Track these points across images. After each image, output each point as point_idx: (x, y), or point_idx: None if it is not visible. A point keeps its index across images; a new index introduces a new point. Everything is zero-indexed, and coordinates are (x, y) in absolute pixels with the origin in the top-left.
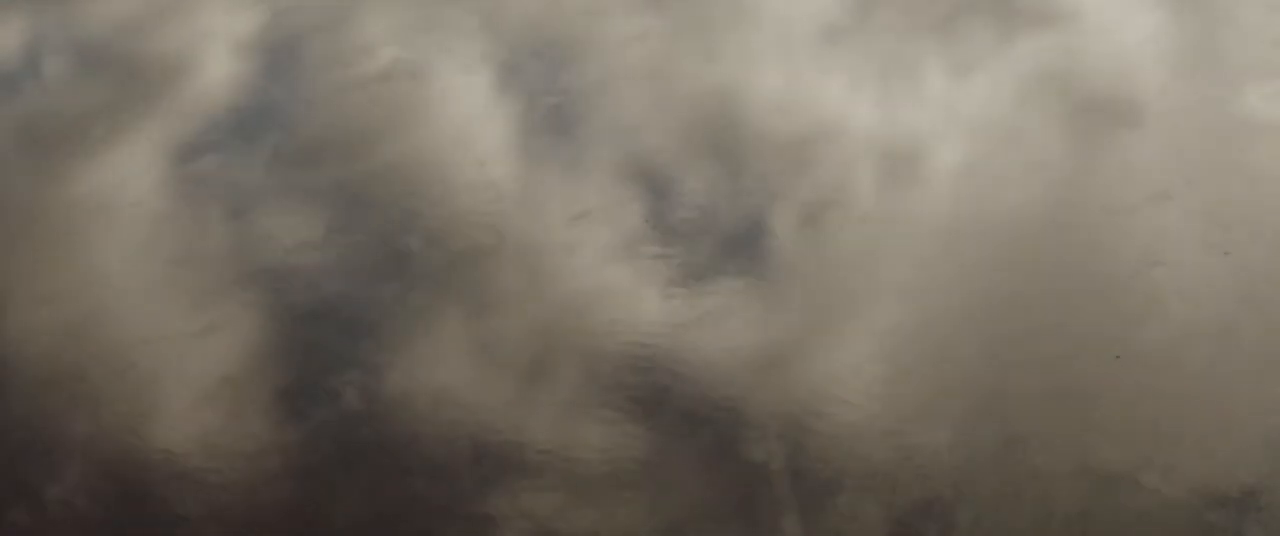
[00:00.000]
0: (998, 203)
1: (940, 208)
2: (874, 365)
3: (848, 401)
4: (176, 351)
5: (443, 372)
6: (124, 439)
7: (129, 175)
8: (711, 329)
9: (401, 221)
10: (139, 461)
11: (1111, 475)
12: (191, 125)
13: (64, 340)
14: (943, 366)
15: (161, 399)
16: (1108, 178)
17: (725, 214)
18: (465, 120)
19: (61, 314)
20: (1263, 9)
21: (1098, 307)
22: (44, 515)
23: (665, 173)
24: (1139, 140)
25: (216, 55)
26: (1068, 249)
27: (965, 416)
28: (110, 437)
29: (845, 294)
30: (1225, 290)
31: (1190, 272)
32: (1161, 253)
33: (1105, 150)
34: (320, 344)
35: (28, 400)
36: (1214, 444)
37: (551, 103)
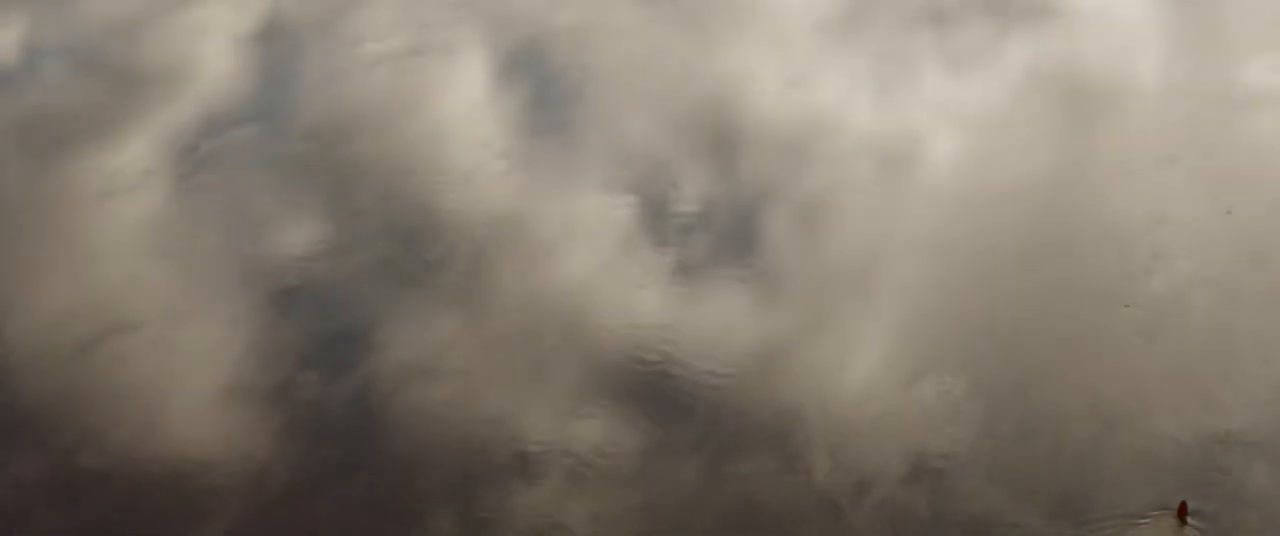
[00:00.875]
0: (1004, 172)
1: (947, 181)
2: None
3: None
4: (175, 347)
5: (441, 369)
6: (123, 435)
7: (128, 173)
8: (708, 324)
9: (400, 219)
10: (138, 458)
11: (1119, 415)
12: (190, 122)
13: (63, 338)
14: (958, 319)
15: (160, 395)
16: (1115, 144)
17: (722, 210)
18: (464, 118)
19: (61, 312)
20: None
21: (1106, 261)
22: (43, 510)
23: (662, 170)
24: (1145, 109)
25: (214, 52)
26: (1077, 208)
27: (982, 363)
28: (110, 434)
29: (856, 263)
30: (1228, 246)
31: (1194, 229)
32: (1167, 211)
33: (1113, 118)
34: (319, 340)
35: (28, 397)
36: (1217, 387)
37: (549, 100)
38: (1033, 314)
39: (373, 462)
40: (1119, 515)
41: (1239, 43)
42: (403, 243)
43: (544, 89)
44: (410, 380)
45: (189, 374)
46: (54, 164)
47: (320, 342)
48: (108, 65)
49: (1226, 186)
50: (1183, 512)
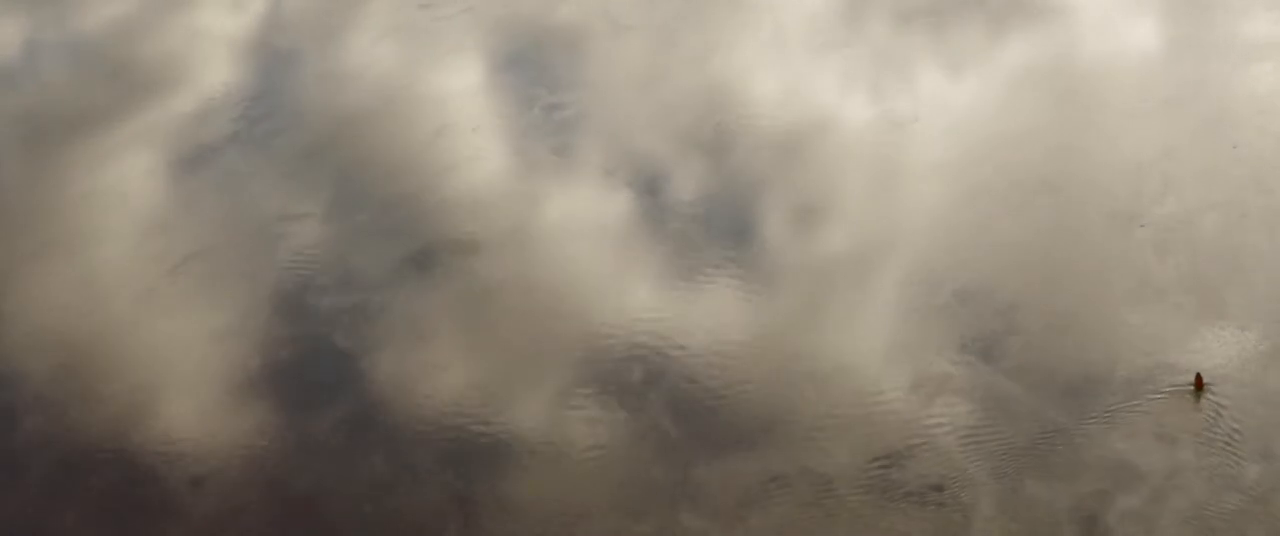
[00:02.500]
0: (1020, 116)
1: (967, 125)
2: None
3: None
4: (174, 345)
5: (438, 364)
6: (123, 431)
7: (127, 172)
8: (704, 320)
9: (398, 216)
10: (137, 454)
11: (1135, 317)
12: (189, 122)
13: (63, 335)
14: (985, 235)
15: (159, 392)
16: (1124, 89)
17: (719, 209)
18: (462, 116)
19: (61, 309)
20: None
21: (1121, 189)
22: (45, 506)
23: (659, 168)
24: (1152, 60)
25: (213, 53)
26: (1091, 145)
27: (1013, 272)
28: (110, 430)
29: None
30: (1234, 175)
31: (1202, 161)
32: (1176, 146)
33: (1121, 66)
34: (317, 337)
35: (27, 394)
36: (1224, 291)
37: (547, 98)
38: (1054, 232)
39: (369, 457)
40: (1137, 390)
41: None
42: (400, 237)
43: (540, 84)
44: (407, 375)
45: (186, 367)
46: (52, 161)
47: (317, 337)
48: (107, 65)
49: (1231, 126)
50: (1199, 385)
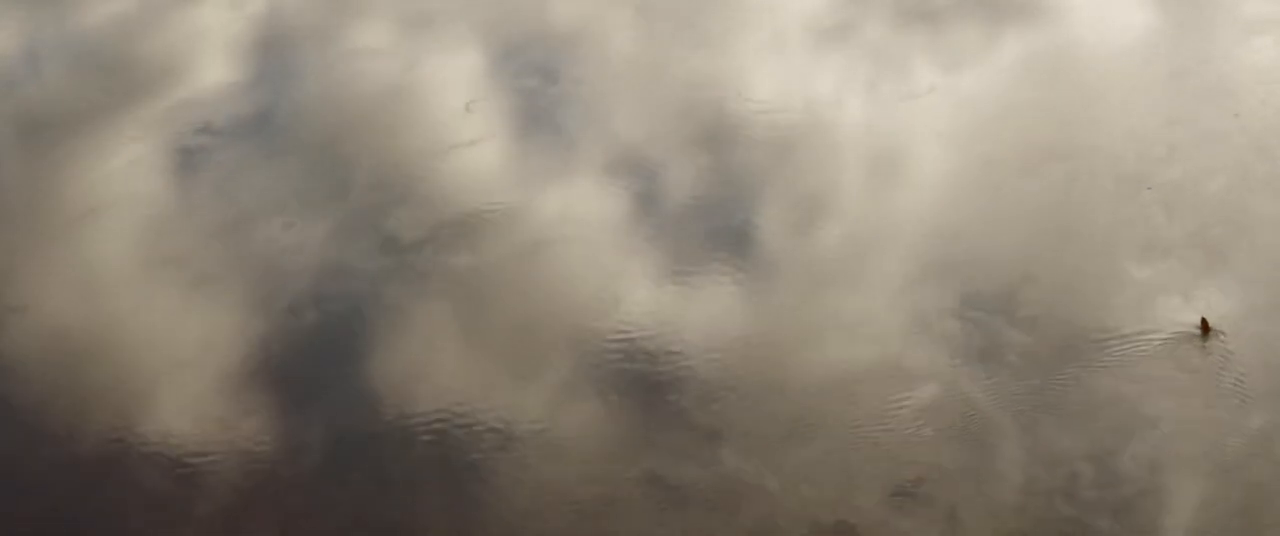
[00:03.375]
0: (1027, 88)
1: (977, 97)
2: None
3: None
4: (172, 342)
5: (435, 359)
6: (120, 428)
7: (126, 170)
8: (699, 317)
9: (396, 214)
10: (134, 450)
11: (1143, 269)
12: (187, 120)
13: (61, 332)
14: (997, 196)
15: (157, 388)
16: (1128, 65)
17: (715, 207)
18: (459, 114)
19: (59, 306)
20: None
21: (1128, 154)
22: (42, 502)
23: (656, 166)
24: (1156, 34)
25: (211, 51)
26: (1099, 114)
27: (1026, 228)
28: (106, 428)
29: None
30: (1237, 142)
31: (1206, 128)
32: (1180, 116)
33: (1125, 42)
34: (314, 333)
35: (26, 389)
36: (1230, 248)
37: (544, 96)
38: (1063, 195)
39: (366, 451)
40: (1147, 337)
41: None
42: (397, 235)
43: (537, 82)
44: (404, 370)
45: (184, 364)
46: (51, 158)
47: (314, 333)
48: (106, 64)
49: (1233, 97)
50: (1206, 329)
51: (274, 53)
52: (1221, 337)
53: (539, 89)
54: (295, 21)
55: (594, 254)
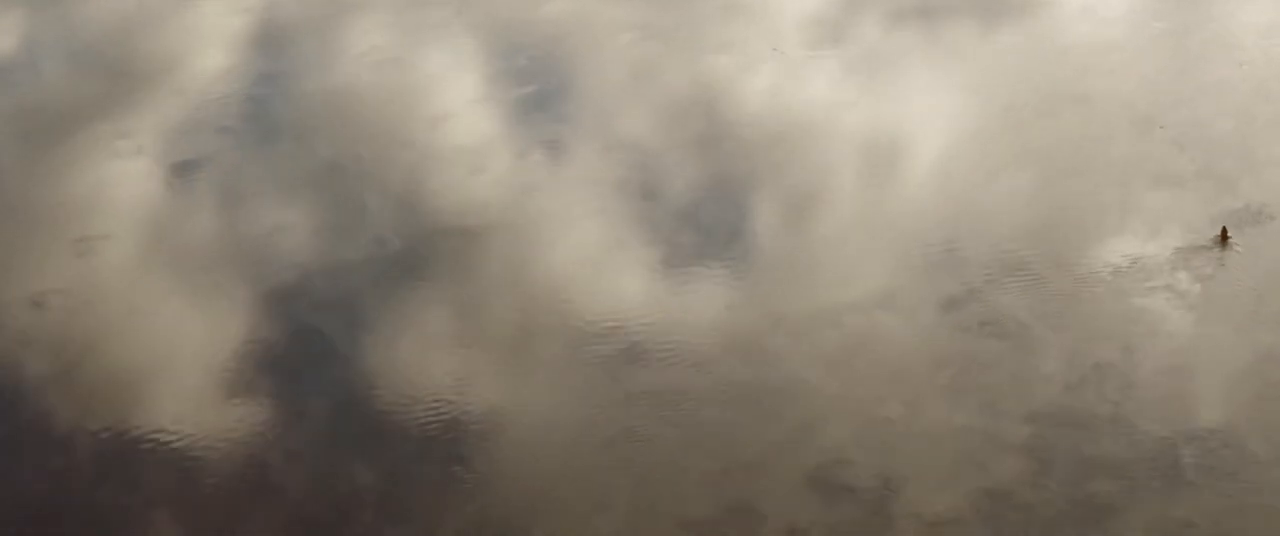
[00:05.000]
0: (1043, 42)
1: (999, 48)
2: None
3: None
4: (170, 338)
5: (432, 352)
6: (116, 424)
7: (124, 168)
8: (691, 309)
9: (394, 209)
10: (131, 445)
11: (1156, 196)
12: (185, 119)
13: (60, 329)
14: (1023, 135)
15: (154, 384)
16: (1141, 17)
17: (710, 204)
18: (457, 112)
19: (58, 302)
20: None
21: (1141, 98)
22: (39, 496)
23: (653, 164)
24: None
25: (210, 50)
26: (1113, 63)
27: (1046, 165)
28: (103, 423)
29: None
30: (1242, 88)
31: (1213, 77)
32: (1188, 66)
33: (1134, 4)
34: (312, 329)
35: (25, 386)
36: (1238, 177)
37: (542, 93)
38: (1081, 134)
39: (362, 444)
40: (1164, 252)
41: None
42: (395, 231)
43: (535, 80)
44: (400, 363)
45: (181, 360)
46: (49, 156)
47: (312, 329)
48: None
49: (1238, 49)
50: (1224, 237)
51: (273, 50)
52: (1237, 249)
53: (537, 88)
54: (294, 20)
55: (590, 249)
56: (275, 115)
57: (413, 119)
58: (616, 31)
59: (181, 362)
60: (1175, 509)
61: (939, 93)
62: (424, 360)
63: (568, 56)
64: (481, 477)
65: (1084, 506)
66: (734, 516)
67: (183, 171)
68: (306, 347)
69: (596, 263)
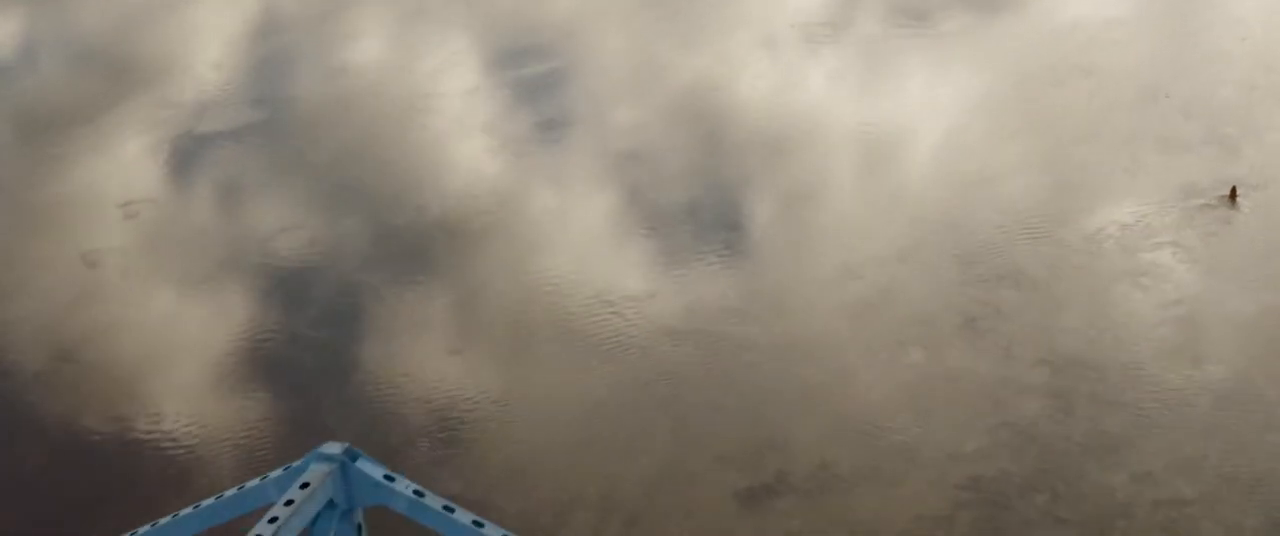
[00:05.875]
0: (1054, 16)
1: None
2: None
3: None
4: (168, 334)
5: (431, 352)
6: (114, 419)
7: (123, 164)
8: (686, 300)
9: (391, 205)
10: (129, 441)
11: (1163, 156)
12: (183, 115)
13: (58, 325)
14: (1036, 104)
15: (152, 380)
16: (1144, 3)
17: (707, 201)
18: (455, 109)
19: (56, 298)
20: None
21: (1148, 69)
22: (33, 490)
23: (650, 162)
24: None
25: (208, 48)
26: (1118, 37)
27: (1059, 130)
28: (105, 419)
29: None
30: (1244, 60)
31: (1215, 48)
32: (1189, 38)
33: None
34: (309, 325)
35: (24, 381)
36: (1242, 142)
37: (539, 90)
38: (1090, 102)
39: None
40: (1173, 207)
41: None
42: (392, 226)
43: (533, 78)
44: (395, 356)
45: (179, 356)
46: (48, 153)
47: (310, 326)
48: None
49: (1240, 25)
50: (1233, 196)
51: (271, 49)
52: (1244, 208)
53: (535, 85)
54: (293, 18)
55: (587, 245)
56: (274, 116)
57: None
58: None
59: (174, 361)
60: (1187, 445)
61: (952, 66)
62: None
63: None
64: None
65: (1103, 451)
66: (768, 452)
67: (215, 141)
68: (304, 345)
69: (623, 230)
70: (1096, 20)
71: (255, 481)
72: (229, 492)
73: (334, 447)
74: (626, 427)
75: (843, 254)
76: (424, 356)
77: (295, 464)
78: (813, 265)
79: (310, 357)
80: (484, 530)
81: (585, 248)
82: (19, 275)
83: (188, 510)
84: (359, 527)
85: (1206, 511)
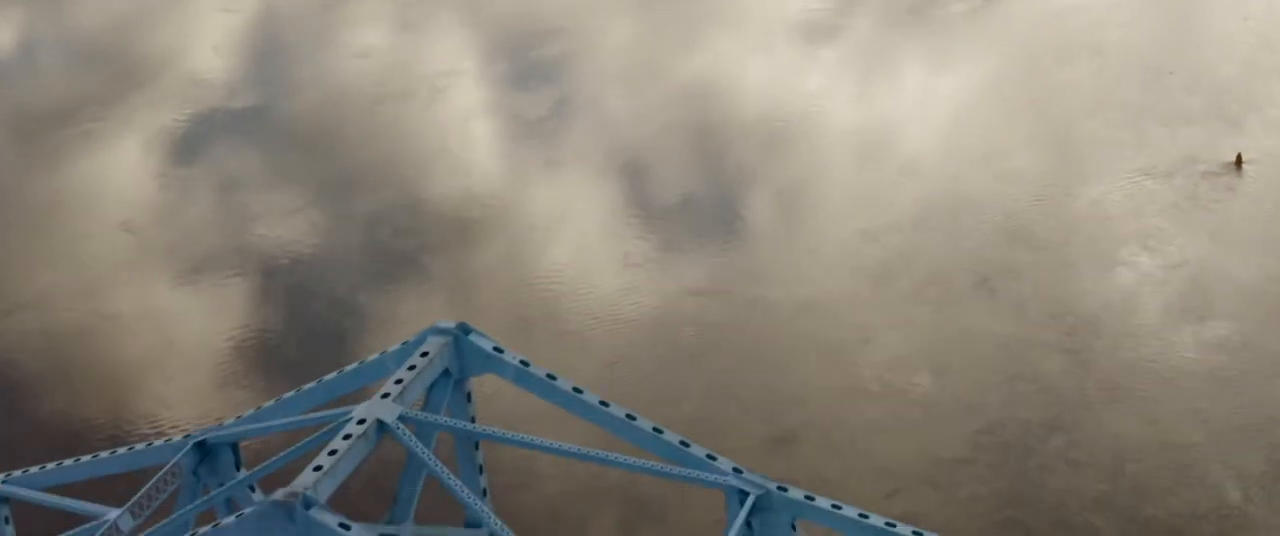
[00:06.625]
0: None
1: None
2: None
3: None
4: (167, 331)
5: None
6: (116, 414)
7: (121, 163)
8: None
9: (390, 202)
10: (128, 438)
11: (1173, 132)
12: (183, 115)
13: (57, 323)
14: (1046, 77)
15: (151, 377)
16: None
17: (704, 198)
18: (453, 107)
19: (55, 296)
20: None
21: (1151, 49)
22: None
23: (648, 159)
24: None
25: (207, 45)
26: (1123, 18)
27: (1067, 101)
28: (102, 413)
29: None
30: (1247, 39)
31: (1219, 28)
32: (1193, 18)
33: None
34: (308, 322)
35: (23, 378)
36: (1247, 119)
37: (538, 89)
38: (1097, 78)
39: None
40: (1180, 173)
41: None
42: (391, 223)
43: (530, 76)
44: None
45: (178, 354)
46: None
47: (308, 322)
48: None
49: (1243, 4)
50: (1239, 163)
51: (269, 47)
52: (1247, 175)
53: (533, 83)
54: (292, 16)
55: (585, 241)
56: (273, 114)
57: None
58: None
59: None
60: (1203, 401)
61: (963, 43)
62: None
63: None
64: None
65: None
66: (792, 406)
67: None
68: (300, 341)
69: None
70: (1103, 1)
71: (375, 356)
72: (350, 367)
73: (447, 324)
74: (658, 383)
75: (860, 221)
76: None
77: (411, 339)
78: (833, 231)
79: None
80: (583, 396)
81: (611, 217)
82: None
83: (311, 384)
84: (469, 396)
85: (1214, 454)
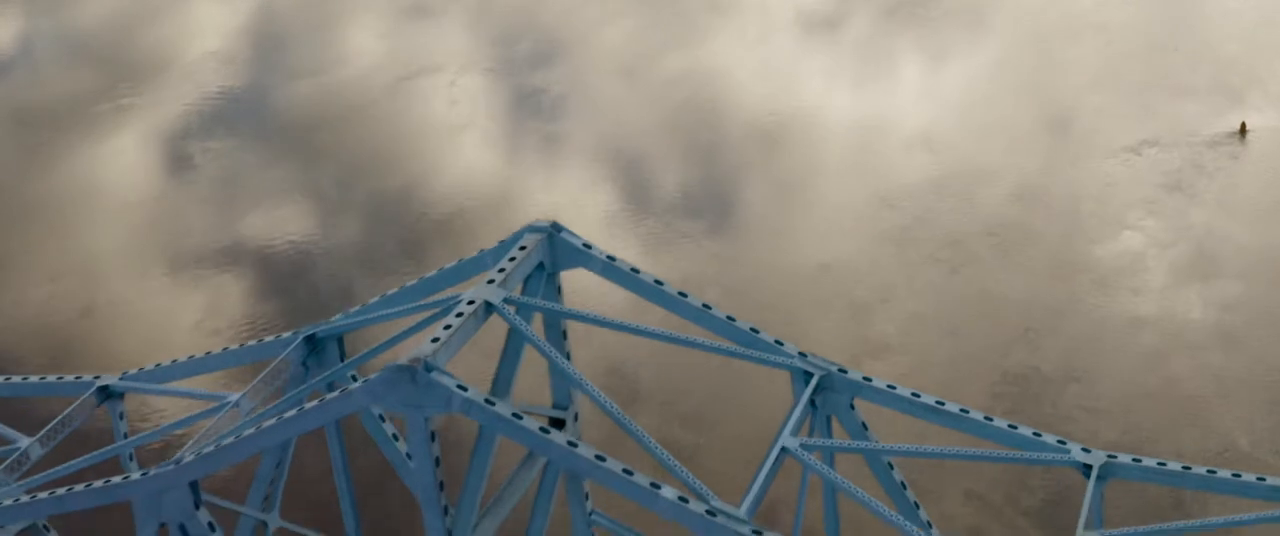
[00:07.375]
0: None
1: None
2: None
3: None
4: (167, 329)
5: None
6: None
7: (121, 160)
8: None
9: (388, 200)
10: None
11: (1178, 104)
12: (182, 112)
13: (56, 321)
14: (1055, 52)
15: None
16: None
17: (701, 195)
18: (452, 106)
19: (55, 294)
20: None
21: (1157, 29)
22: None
23: (646, 156)
24: None
25: (205, 43)
26: None
27: (1076, 75)
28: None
29: None
30: (1248, 18)
31: (1221, 6)
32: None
33: None
34: (306, 320)
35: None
36: (1250, 93)
37: (537, 88)
38: (1104, 53)
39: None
40: (1186, 142)
41: None
42: (389, 221)
43: (529, 75)
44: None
45: (175, 353)
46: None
47: (306, 320)
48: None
49: None
50: (1243, 130)
51: (268, 46)
52: (1253, 144)
53: (532, 82)
54: (289, 16)
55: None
56: (272, 112)
57: None
58: None
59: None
60: (1211, 357)
61: (970, 19)
62: None
63: None
64: None
65: (1124, 351)
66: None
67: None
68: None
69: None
70: None
71: (474, 254)
72: (449, 265)
73: (542, 222)
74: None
75: (876, 186)
76: None
77: (508, 238)
78: (852, 199)
79: None
80: (663, 287)
81: (646, 179)
82: None
83: (412, 281)
84: (558, 288)
85: (1223, 406)
